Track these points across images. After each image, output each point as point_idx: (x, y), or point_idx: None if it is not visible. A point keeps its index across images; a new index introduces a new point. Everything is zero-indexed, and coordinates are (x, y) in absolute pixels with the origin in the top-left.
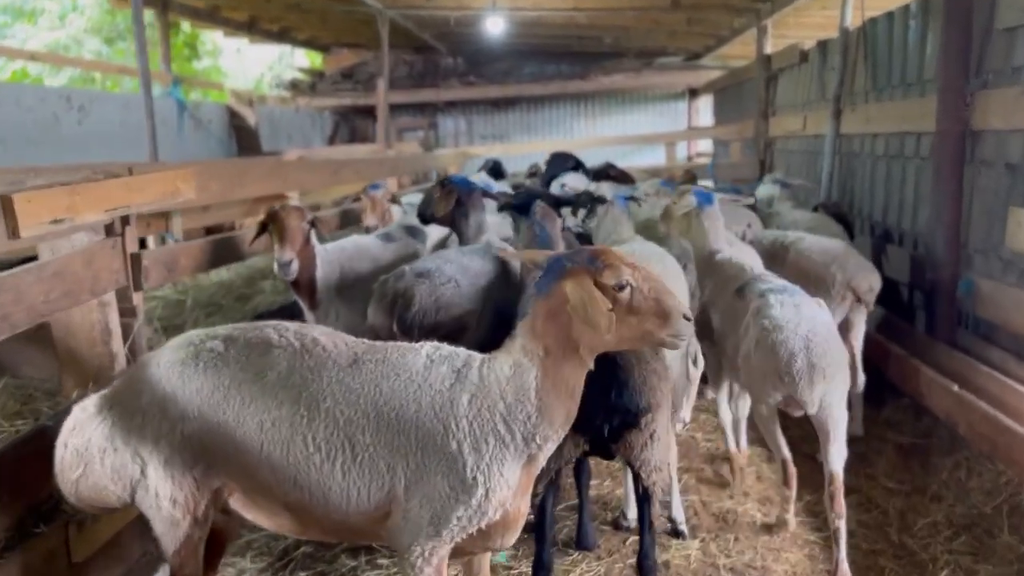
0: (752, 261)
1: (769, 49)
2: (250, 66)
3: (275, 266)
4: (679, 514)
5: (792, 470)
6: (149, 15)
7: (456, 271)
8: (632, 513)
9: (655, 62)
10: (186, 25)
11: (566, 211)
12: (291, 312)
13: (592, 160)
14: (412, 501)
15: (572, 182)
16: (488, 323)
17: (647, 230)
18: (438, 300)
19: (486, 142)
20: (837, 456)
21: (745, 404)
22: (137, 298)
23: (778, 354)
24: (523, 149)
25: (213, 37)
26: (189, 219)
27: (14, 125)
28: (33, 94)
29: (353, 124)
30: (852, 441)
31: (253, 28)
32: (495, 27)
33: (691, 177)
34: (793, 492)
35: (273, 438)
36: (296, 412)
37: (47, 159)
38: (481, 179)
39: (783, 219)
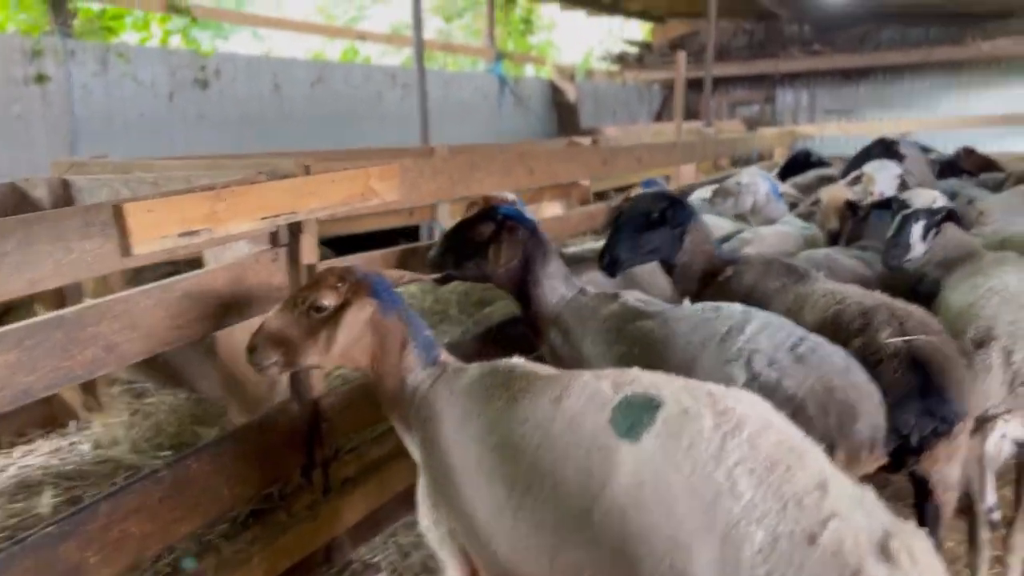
0: None
1: None
2: (582, 40)
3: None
4: None
5: None
6: None
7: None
8: None
9: None
10: None
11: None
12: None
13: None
14: None
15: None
16: None
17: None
18: None
19: (830, 118)
20: None
21: None
22: None
23: None
24: (873, 129)
25: (550, 12)
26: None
27: (344, 101)
28: (361, 73)
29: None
30: None
31: None
32: None
33: None
34: None
35: None
36: None
37: (370, 136)
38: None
39: None
